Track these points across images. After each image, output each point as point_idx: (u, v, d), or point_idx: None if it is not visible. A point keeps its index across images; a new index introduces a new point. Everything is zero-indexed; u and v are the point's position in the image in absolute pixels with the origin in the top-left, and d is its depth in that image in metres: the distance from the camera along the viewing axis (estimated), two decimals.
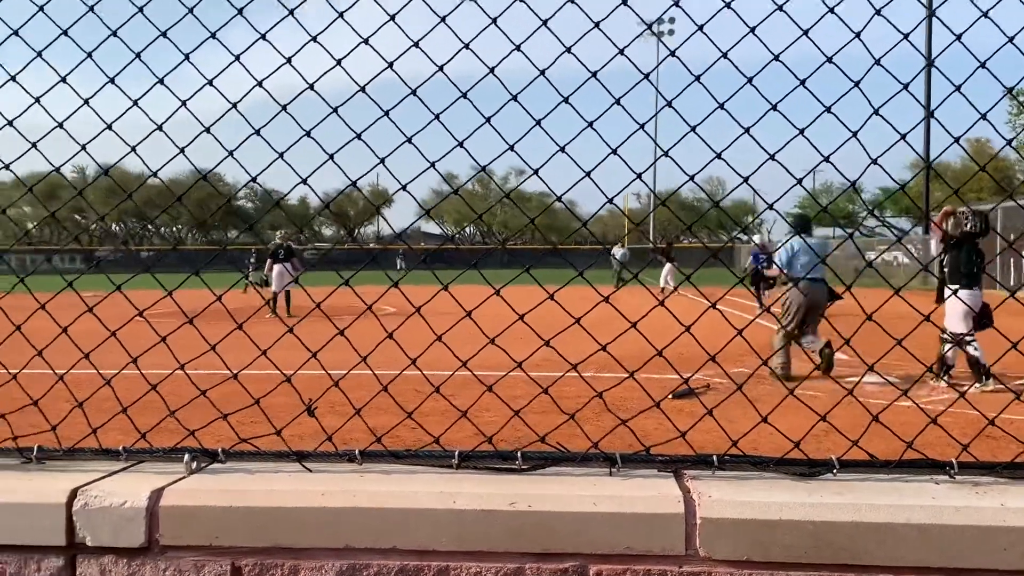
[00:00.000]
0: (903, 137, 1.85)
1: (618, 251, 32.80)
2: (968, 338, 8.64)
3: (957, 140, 1.86)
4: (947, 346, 8.78)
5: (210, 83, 2.00)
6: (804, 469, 1.78)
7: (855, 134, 1.88)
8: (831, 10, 1.92)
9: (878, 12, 1.91)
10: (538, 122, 1.91)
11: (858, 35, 1.91)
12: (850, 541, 1.58)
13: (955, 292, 8.70)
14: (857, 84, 1.89)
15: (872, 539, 1.57)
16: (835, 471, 1.77)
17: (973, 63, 1.90)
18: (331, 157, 1.94)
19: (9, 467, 1.93)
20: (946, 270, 9.37)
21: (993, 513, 1.57)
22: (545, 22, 1.91)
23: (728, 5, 1.93)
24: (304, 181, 1.96)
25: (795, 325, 9.77)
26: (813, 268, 9.40)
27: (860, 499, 1.63)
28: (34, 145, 2.05)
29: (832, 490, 1.68)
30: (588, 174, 1.87)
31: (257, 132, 1.95)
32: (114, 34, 2.02)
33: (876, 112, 1.89)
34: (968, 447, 1.84)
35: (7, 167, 2.06)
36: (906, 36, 1.91)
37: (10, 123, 2.07)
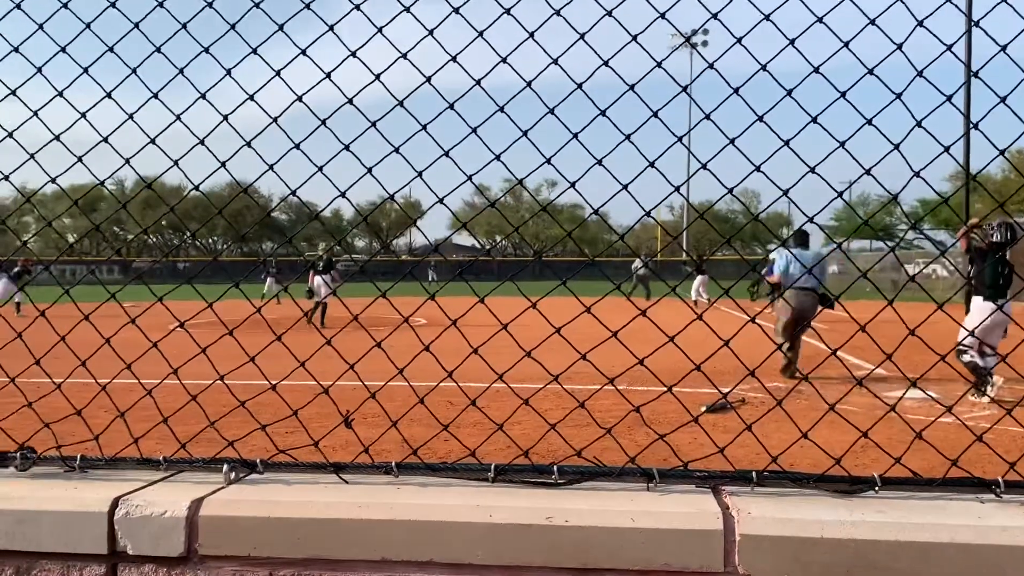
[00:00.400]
0: (947, 149, 1.82)
1: (638, 264, 32.45)
2: (968, 347, 8.59)
3: (1002, 152, 1.83)
4: (964, 356, 8.74)
5: (251, 98, 2.03)
6: (845, 486, 1.75)
7: (897, 147, 1.86)
8: (872, 21, 1.91)
9: (920, 23, 1.89)
10: (575, 135, 1.91)
11: (899, 47, 1.89)
12: (893, 560, 1.55)
13: (1000, 307, 8.59)
14: (899, 96, 1.87)
15: (915, 559, 1.54)
16: (877, 488, 1.75)
17: (1012, 72, 1.87)
18: (369, 171, 1.96)
19: (53, 475, 1.96)
20: (973, 282, 9.29)
21: None
22: (582, 35, 1.91)
23: (767, 17, 1.92)
24: (343, 194, 1.98)
25: (786, 331, 10.57)
26: (801, 278, 10.09)
27: (903, 518, 1.60)
28: (80, 159, 2.09)
29: (874, 508, 1.66)
30: (625, 187, 1.87)
31: (297, 146, 1.97)
32: (158, 50, 2.06)
33: (919, 124, 1.86)
34: (1015, 465, 1.81)
35: (53, 180, 2.10)
36: (949, 47, 1.89)
37: (57, 137, 2.12)
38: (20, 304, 21.75)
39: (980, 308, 8.96)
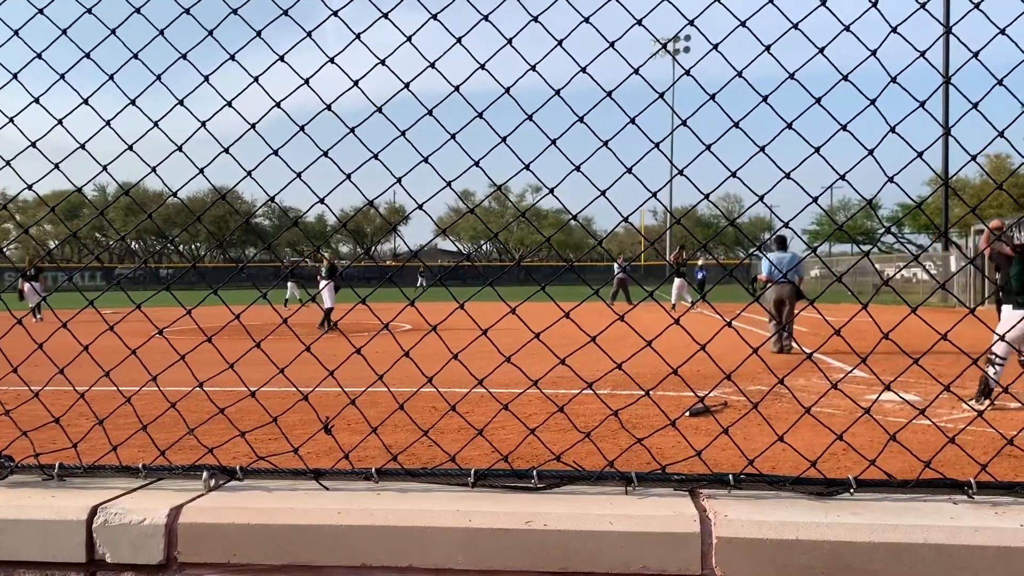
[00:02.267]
0: (920, 155, 1.85)
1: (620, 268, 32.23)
2: (1000, 359, 8.32)
3: (974, 158, 1.85)
4: (989, 368, 8.43)
5: (229, 104, 2.03)
6: (821, 488, 1.77)
7: (871, 152, 1.88)
8: (847, 28, 1.93)
9: (894, 29, 1.91)
10: (553, 141, 1.92)
11: (874, 53, 1.91)
12: (867, 561, 1.56)
13: None
14: (873, 102, 1.89)
15: (890, 559, 1.56)
16: (852, 491, 1.76)
17: (991, 78, 1.89)
18: (348, 177, 1.96)
19: (30, 484, 1.95)
20: (1001, 289, 8.96)
21: (1013, 534, 1.55)
22: (560, 42, 1.92)
23: (743, 24, 1.94)
24: (321, 200, 1.98)
25: (772, 312, 15.11)
26: (779, 276, 14.72)
27: (877, 519, 1.61)
28: (56, 166, 2.08)
29: (849, 510, 1.67)
30: (603, 193, 1.88)
31: (275, 152, 1.97)
32: (135, 56, 2.05)
33: (892, 130, 1.89)
34: (987, 466, 1.83)
35: (30, 187, 2.09)
36: (922, 54, 1.92)
37: (33, 144, 2.10)
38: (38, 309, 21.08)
39: (1010, 317, 8.46)
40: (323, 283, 20.02)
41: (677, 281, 26.12)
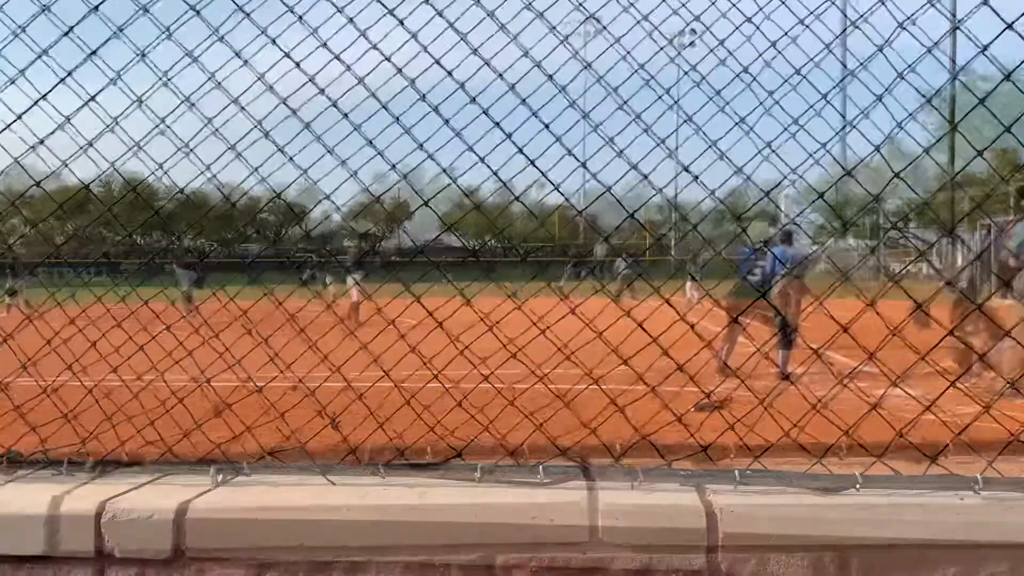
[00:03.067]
0: (926, 151, 1.84)
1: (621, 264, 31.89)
2: None
3: (980, 153, 1.85)
4: None
5: (235, 101, 2.03)
6: (827, 484, 1.77)
7: (878, 148, 1.88)
8: (854, 24, 1.93)
9: (900, 25, 1.90)
10: (558, 139, 1.92)
11: (880, 49, 1.91)
12: (873, 556, 1.57)
13: None
14: (879, 99, 1.89)
15: (896, 555, 1.56)
16: (858, 486, 1.76)
17: (996, 74, 1.89)
18: (354, 175, 1.96)
19: (40, 479, 1.96)
20: None
21: (1020, 529, 1.55)
22: (565, 39, 1.92)
23: (749, 20, 1.93)
24: (328, 197, 1.98)
25: (775, 306, 13.83)
26: (783, 269, 13.74)
27: (883, 515, 1.61)
28: (65, 164, 2.09)
29: (855, 505, 1.67)
30: (608, 190, 1.88)
31: (281, 150, 1.97)
32: (142, 56, 2.05)
33: (899, 125, 1.88)
34: (993, 463, 1.82)
35: (38, 184, 2.10)
36: (929, 50, 1.91)
37: (41, 141, 2.11)
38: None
39: None
40: (355, 276, 20.07)
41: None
